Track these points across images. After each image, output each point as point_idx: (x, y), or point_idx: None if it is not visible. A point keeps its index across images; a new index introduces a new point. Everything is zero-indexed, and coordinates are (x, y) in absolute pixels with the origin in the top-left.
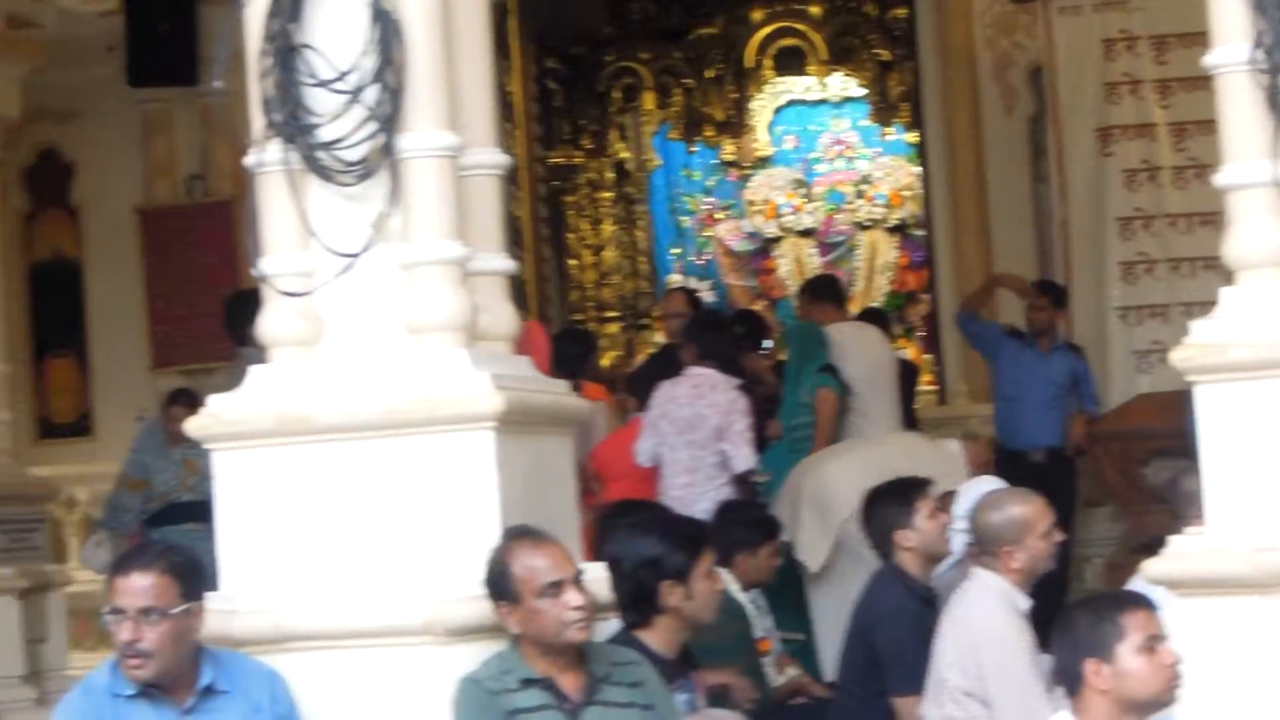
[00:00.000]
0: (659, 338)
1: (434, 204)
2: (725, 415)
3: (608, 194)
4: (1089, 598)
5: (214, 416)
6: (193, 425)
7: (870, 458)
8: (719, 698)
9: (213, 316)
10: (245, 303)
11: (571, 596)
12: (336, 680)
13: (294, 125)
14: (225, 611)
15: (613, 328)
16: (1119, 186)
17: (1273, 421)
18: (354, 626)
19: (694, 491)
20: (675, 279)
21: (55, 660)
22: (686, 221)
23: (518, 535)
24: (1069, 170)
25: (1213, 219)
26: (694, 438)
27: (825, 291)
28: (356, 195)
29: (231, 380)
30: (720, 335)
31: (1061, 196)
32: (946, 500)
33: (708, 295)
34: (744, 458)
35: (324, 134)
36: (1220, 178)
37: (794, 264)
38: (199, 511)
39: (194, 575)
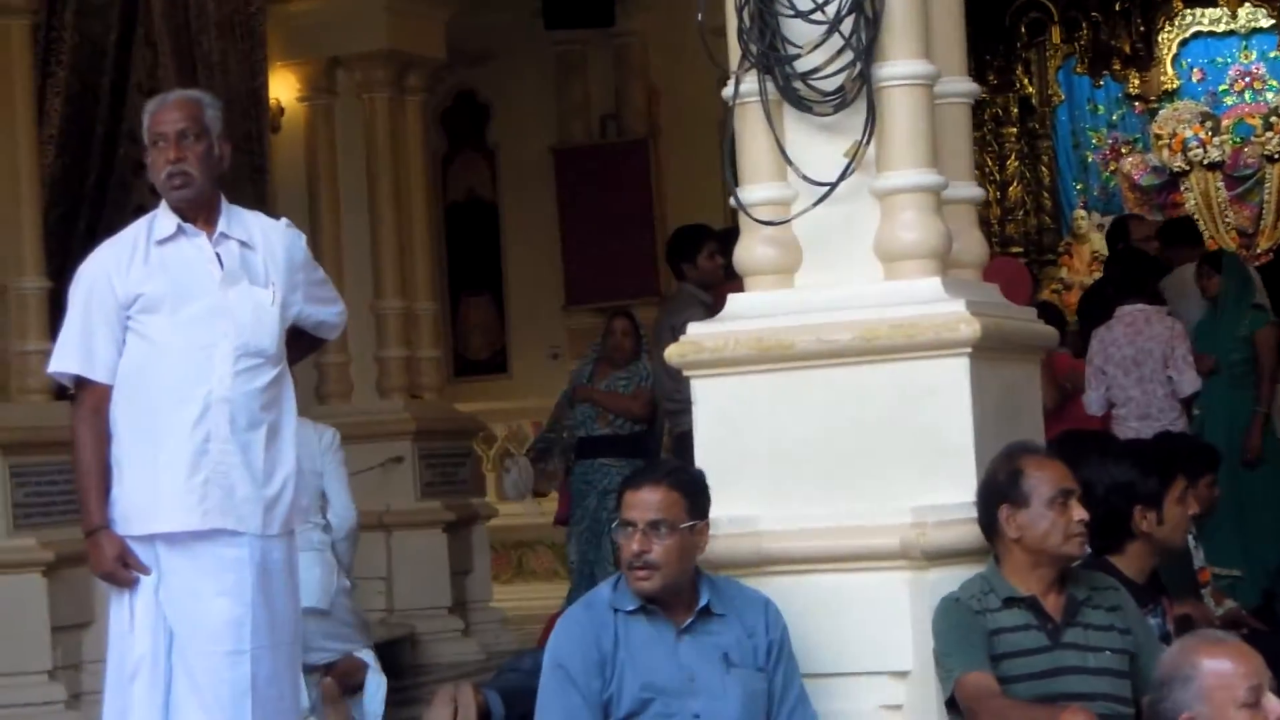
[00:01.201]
0: (1064, 273)
1: (910, 133)
2: (1167, 344)
3: (1012, 129)
4: None
5: (694, 344)
6: (673, 352)
7: None
8: (1181, 628)
9: (626, 255)
10: (688, 237)
11: (1078, 510)
12: (814, 604)
13: (772, 56)
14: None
15: None
16: None
17: None
18: (832, 550)
19: (1152, 427)
20: (1080, 214)
21: (480, 592)
22: (1090, 156)
23: (1026, 448)
24: None
25: None
26: (1141, 373)
27: (1184, 234)
28: (832, 125)
29: (675, 311)
30: (1141, 270)
31: None
32: None
33: None
34: (1190, 381)
35: (801, 64)
36: None
37: (1201, 198)
38: (614, 446)
39: (702, 493)
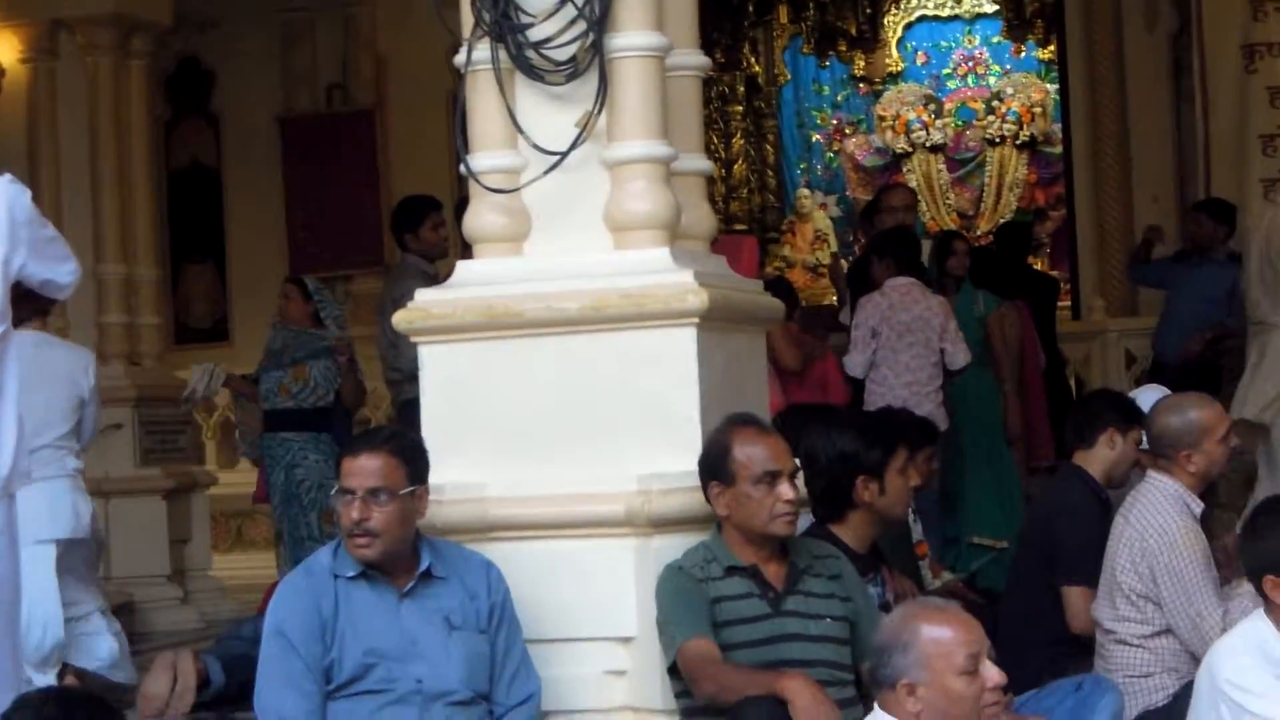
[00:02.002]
0: (787, 251)
1: (641, 104)
2: (943, 317)
3: (738, 108)
4: (1272, 512)
5: (422, 311)
6: (400, 319)
7: None
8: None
9: (351, 225)
10: (411, 208)
11: (785, 490)
12: (539, 570)
13: (504, 24)
14: (431, 500)
15: None
16: (1263, 104)
17: None
18: (558, 517)
19: (918, 393)
20: (803, 193)
21: (199, 560)
22: (815, 136)
23: (742, 421)
24: (1212, 87)
25: None
26: (914, 340)
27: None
28: (564, 94)
29: (396, 282)
30: (915, 250)
31: (1204, 113)
32: None
33: (835, 210)
34: (963, 353)
35: (534, 33)
36: None
37: (923, 179)
38: (296, 419)
39: (420, 458)
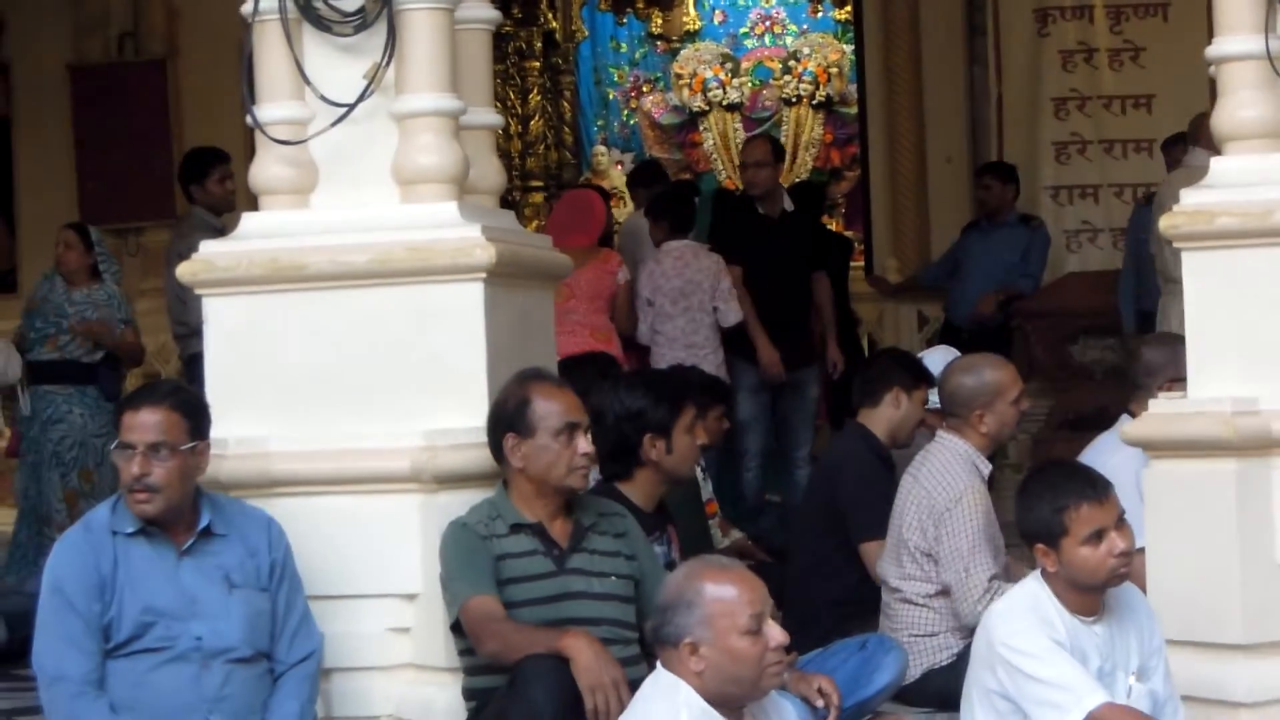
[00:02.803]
0: None
1: (430, 56)
2: (714, 277)
3: (535, 63)
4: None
5: (206, 263)
6: (184, 271)
7: None
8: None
9: (143, 176)
10: (198, 160)
11: (583, 443)
12: (323, 526)
13: None
14: (214, 455)
15: (536, 197)
16: (1055, 67)
17: (1256, 287)
18: (342, 472)
19: (697, 355)
20: (600, 150)
21: None
22: (612, 94)
23: (538, 375)
24: (1005, 50)
25: (1145, 102)
26: (689, 304)
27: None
28: (353, 46)
29: (182, 236)
30: (688, 208)
31: (997, 76)
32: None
33: (631, 167)
34: (735, 312)
35: None
36: (1212, 49)
37: (719, 138)
38: (62, 372)
39: (202, 413)
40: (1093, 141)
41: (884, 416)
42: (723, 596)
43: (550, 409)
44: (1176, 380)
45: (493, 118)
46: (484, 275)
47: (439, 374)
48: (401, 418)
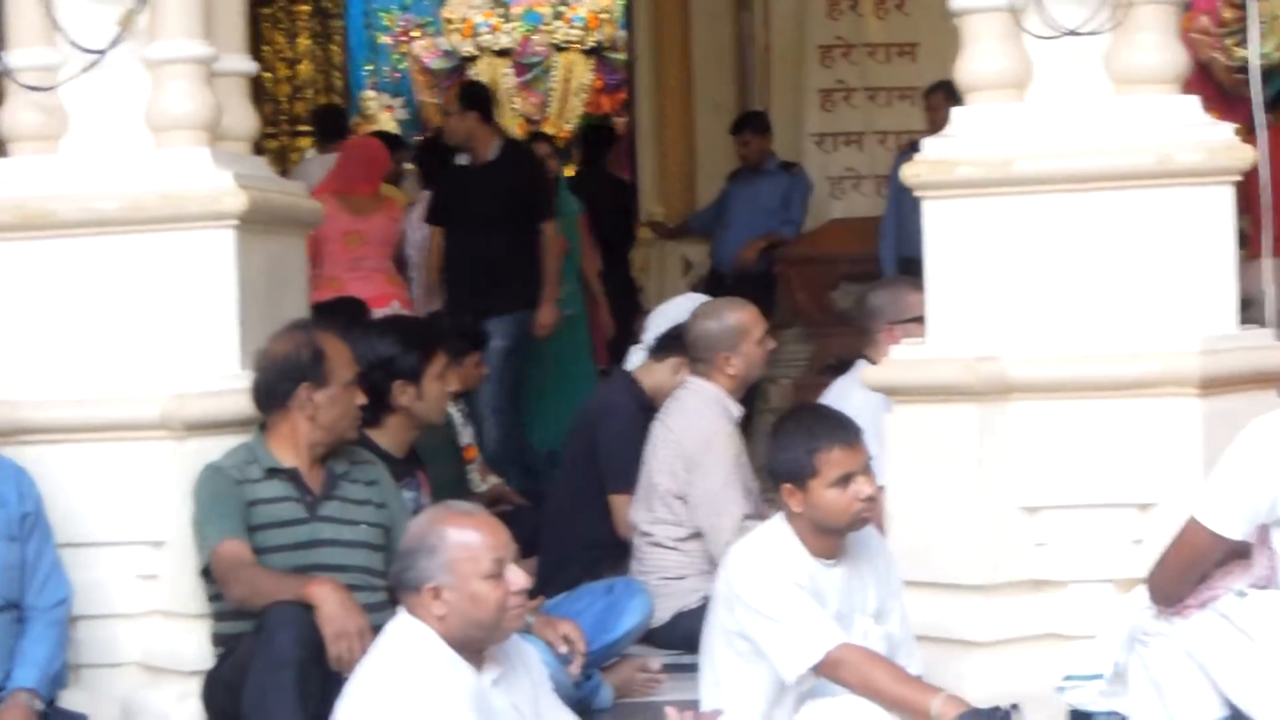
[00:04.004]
0: None
1: (182, 3)
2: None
3: (305, 7)
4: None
5: None
6: None
7: None
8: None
9: None
10: None
11: (359, 396)
12: (72, 473)
13: None
14: None
15: (305, 142)
16: (821, 15)
17: (995, 236)
18: (91, 420)
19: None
20: (369, 95)
21: None
22: (382, 38)
23: (317, 327)
24: None
25: (910, 50)
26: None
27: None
28: None
29: None
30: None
31: (764, 23)
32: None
33: (401, 113)
34: None
35: None
36: (955, 2)
37: (490, 83)
38: None
39: None
40: (858, 89)
41: (657, 376)
42: (465, 541)
43: (343, 360)
44: (914, 321)
45: (246, 64)
46: (236, 222)
47: (190, 321)
48: (152, 365)
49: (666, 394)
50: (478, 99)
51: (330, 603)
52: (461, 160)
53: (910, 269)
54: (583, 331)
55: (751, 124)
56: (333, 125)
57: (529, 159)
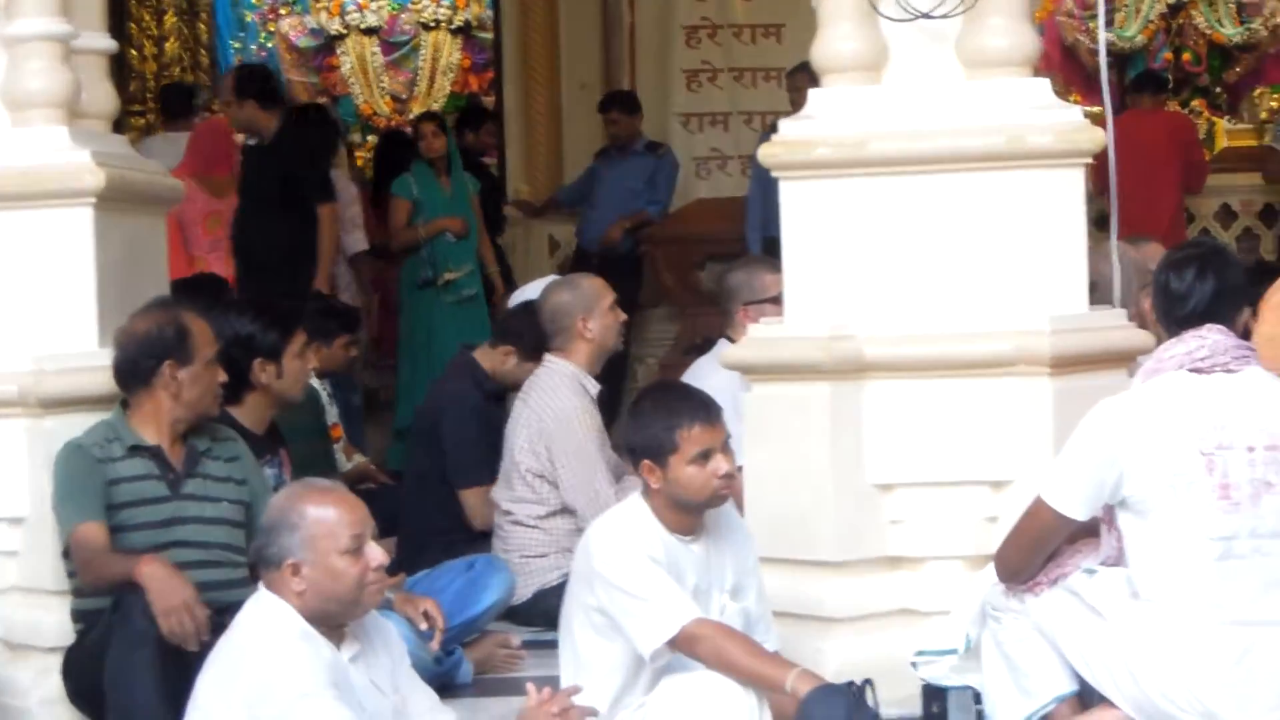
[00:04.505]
0: None
1: None
2: (350, 206)
3: None
4: (664, 394)
5: None
6: None
7: None
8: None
9: None
10: None
11: (221, 374)
12: None
13: None
14: None
15: None
16: None
17: (851, 216)
18: None
19: (339, 284)
20: None
21: None
22: (249, 15)
23: (178, 304)
24: None
25: (775, 31)
26: None
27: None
28: None
29: None
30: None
31: (630, 3)
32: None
33: None
34: (358, 240)
35: None
36: None
37: (357, 62)
38: None
39: None
40: (723, 70)
41: (498, 361)
42: (324, 518)
43: (205, 338)
44: (770, 302)
45: (106, 42)
46: (93, 200)
47: (48, 298)
48: (10, 342)
49: (506, 378)
50: (251, 86)
51: (154, 581)
52: (251, 141)
53: (775, 249)
54: (483, 311)
55: (620, 102)
56: (178, 103)
57: (305, 141)
